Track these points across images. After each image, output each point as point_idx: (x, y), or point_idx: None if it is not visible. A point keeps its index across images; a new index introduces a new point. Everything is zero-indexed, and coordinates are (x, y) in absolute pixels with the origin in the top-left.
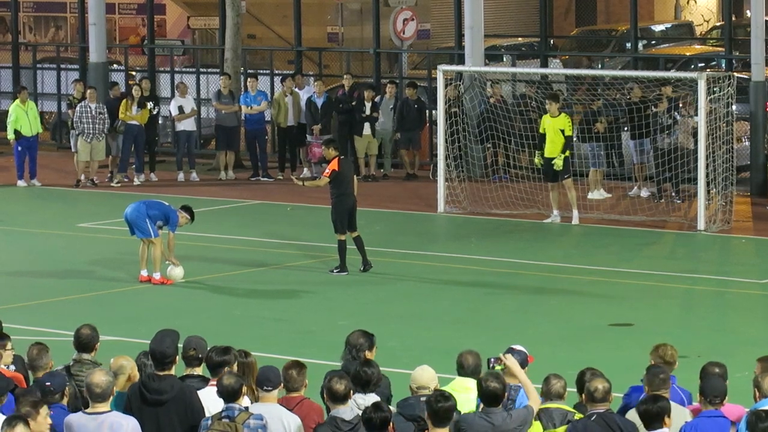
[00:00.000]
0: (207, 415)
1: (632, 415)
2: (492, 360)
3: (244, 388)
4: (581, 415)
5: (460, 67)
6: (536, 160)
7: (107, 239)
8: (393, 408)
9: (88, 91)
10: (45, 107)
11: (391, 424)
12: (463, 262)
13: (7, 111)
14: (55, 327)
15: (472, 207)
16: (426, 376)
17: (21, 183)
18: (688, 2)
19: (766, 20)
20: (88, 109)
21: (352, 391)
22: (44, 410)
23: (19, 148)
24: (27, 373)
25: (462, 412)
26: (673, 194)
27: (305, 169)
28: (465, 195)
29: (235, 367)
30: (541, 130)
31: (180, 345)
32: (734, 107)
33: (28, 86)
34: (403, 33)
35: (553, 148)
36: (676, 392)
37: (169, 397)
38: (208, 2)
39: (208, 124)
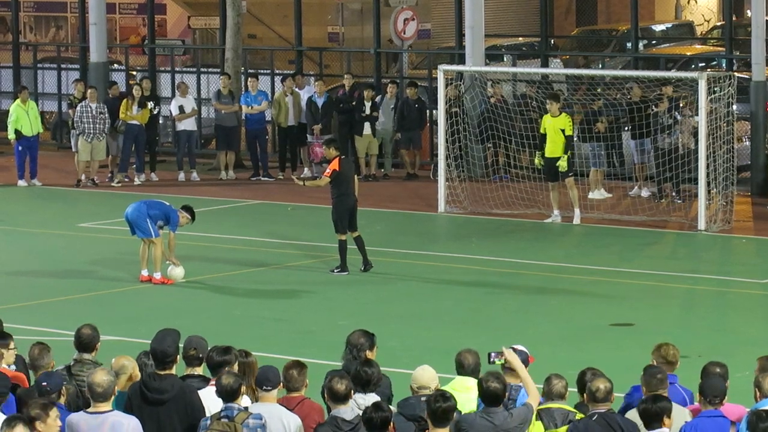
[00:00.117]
0: (207, 415)
1: (633, 414)
2: (492, 354)
3: (243, 388)
4: (582, 415)
5: (460, 67)
6: (536, 161)
7: (108, 239)
8: (393, 408)
9: (89, 90)
10: (45, 107)
11: (391, 424)
12: (463, 262)
13: (8, 111)
14: (56, 327)
15: (472, 207)
16: (427, 376)
17: (21, 183)
18: (688, 2)
19: (766, 20)
20: (89, 109)
21: (352, 391)
22: (54, 412)
23: (20, 148)
24: (28, 373)
25: (463, 412)
26: (674, 194)
27: (306, 169)
28: (465, 195)
29: (235, 367)
30: (541, 131)
31: (180, 345)
32: (735, 107)
33: (28, 86)
34: (404, 33)
35: (554, 147)
36: (678, 392)
37: (170, 396)
38: (209, 2)
39: (209, 124)
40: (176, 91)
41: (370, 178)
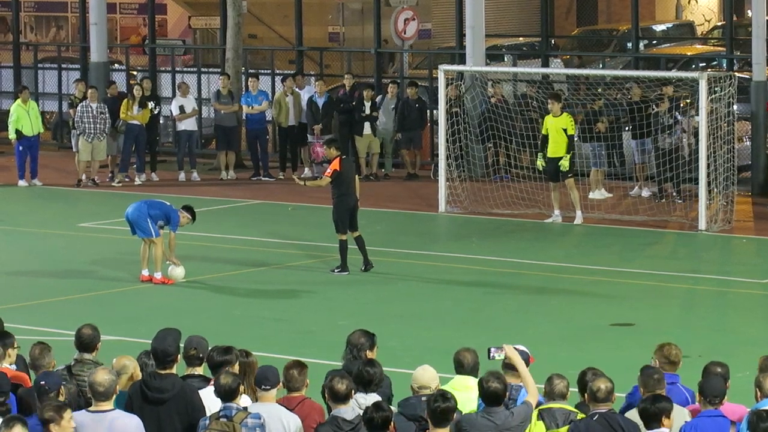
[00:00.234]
0: (208, 414)
1: (634, 414)
2: (492, 349)
3: (242, 388)
4: (583, 415)
5: (461, 67)
6: (538, 163)
7: (108, 239)
8: (394, 408)
9: (89, 90)
10: (46, 107)
11: (392, 423)
12: (464, 262)
13: (9, 111)
14: (56, 327)
15: (473, 207)
16: (427, 376)
17: (22, 183)
18: (689, 2)
19: (767, 20)
20: (89, 109)
21: (353, 391)
22: (68, 414)
23: (21, 148)
24: (29, 373)
25: (463, 412)
26: (674, 194)
27: (306, 169)
28: (466, 195)
29: (236, 367)
30: (543, 131)
31: (181, 345)
32: (735, 107)
33: (29, 86)
34: (404, 33)
35: (556, 147)
36: (681, 392)
37: (171, 395)
38: (209, 2)
39: (209, 124)
40: (177, 91)
41: (371, 177)
